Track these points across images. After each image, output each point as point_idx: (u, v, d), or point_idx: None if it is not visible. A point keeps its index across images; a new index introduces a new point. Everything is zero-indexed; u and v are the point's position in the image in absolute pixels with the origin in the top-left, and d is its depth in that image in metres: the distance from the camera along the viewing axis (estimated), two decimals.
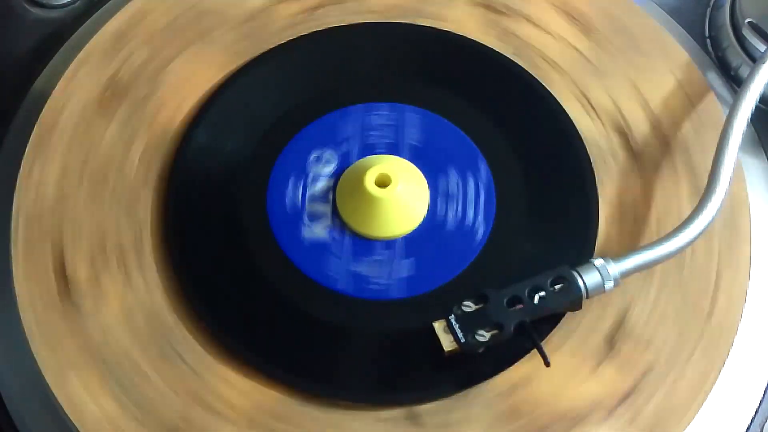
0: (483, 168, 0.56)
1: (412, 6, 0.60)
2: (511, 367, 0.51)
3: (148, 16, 0.60)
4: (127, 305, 0.53)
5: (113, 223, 0.55)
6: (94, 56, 0.59)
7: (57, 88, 0.58)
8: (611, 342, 0.52)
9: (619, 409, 0.50)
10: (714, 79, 0.59)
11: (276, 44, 0.59)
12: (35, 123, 0.57)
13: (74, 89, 0.58)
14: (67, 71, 0.58)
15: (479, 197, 0.55)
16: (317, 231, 0.54)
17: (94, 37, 0.59)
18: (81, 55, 0.59)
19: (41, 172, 0.56)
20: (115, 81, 0.58)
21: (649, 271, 0.52)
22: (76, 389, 0.51)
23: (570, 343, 0.52)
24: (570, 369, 0.51)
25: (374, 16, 0.60)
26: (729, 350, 0.52)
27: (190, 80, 0.58)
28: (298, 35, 0.59)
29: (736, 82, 0.59)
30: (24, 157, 0.56)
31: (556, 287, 0.50)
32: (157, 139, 0.57)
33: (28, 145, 0.56)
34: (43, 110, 0.57)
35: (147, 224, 0.55)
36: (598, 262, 0.50)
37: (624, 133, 0.57)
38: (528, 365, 0.51)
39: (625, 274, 0.50)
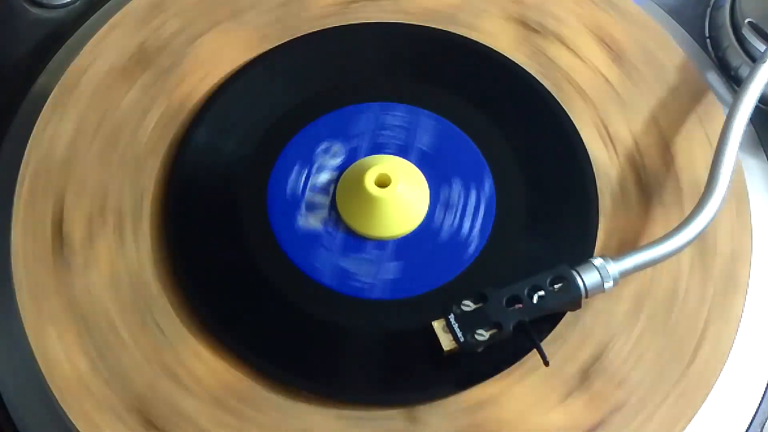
0: (484, 168, 0.56)
1: (446, 12, 0.60)
2: (481, 384, 0.51)
3: None
4: (116, 269, 0.53)
5: (117, 187, 0.55)
6: (126, 21, 0.59)
7: (85, 48, 0.58)
8: (585, 374, 0.51)
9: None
10: (714, 79, 0.59)
11: (307, 32, 0.59)
12: (35, 123, 0.57)
13: (101, 51, 0.58)
14: (99, 32, 0.59)
15: (480, 197, 0.55)
16: (317, 230, 0.54)
17: (131, 2, 0.60)
18: (115, 18, 0.59)
19: (56, 128, 0.57)
20: (143, 49, 0.59)
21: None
22: (52, 344, 0.52)
23: (543, 369, 0.51)
24: (539, 395, 0.51)
25: (407, 17, 0.60)
26: (705, 398, 0.51)
27: (216, 56, 0.59)
28: (327, 27, 0.59)
29: (736, 82, 0.59)
30: (41, 114, 0.57)
31: (556, 287, 0.50)
32: (174, 111, 0.57)
33: (47, 102, 0.57)
34: (68, 69, 0.58)
35: (149, 192, 0.55)
36: (598, 261, 0.50)
37: (624, 134, 0.57)
38: (498, 384, 0.51)
39: (625, 274, 0.50)
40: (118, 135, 0.57)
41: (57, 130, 0.56)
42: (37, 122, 0.57)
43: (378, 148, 0.56)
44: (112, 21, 0.59)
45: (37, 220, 0.54)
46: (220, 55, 0.59)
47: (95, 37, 0.59)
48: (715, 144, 0.53)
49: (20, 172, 0.55)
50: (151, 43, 0.59)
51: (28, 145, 0.56)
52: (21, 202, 0.55)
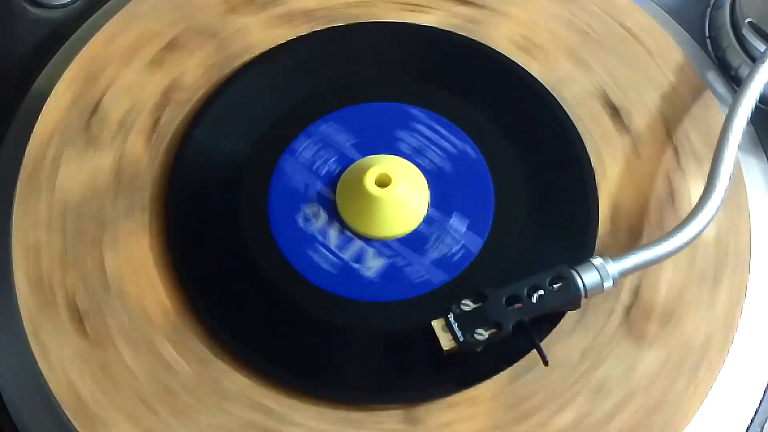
0: (483, 167, 0.56)
1: None
2: None
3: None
4: (141, 336, 0.53)
5: (115, 255, 0.54)
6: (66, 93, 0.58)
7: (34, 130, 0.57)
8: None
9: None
10: (714, 79, 0.59)
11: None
12: (35, 123, 0.57)
13: (53, 128, 0.57)
14: (42, 113, 0.57)
15: (479, 196, 0.55)
16: (317, 231, 0.54)
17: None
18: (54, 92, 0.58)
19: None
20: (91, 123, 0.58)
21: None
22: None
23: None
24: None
25: None
26: (744, 298, 0.53)
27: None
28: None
29: (736, 82, 0.59)
30: (15, 196, 0.56)
31: (555, 286, 0.50)
32: (157, 141, 0.57)
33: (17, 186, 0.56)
34: (30, 140, 0.57)
35: (150, 251, 0.54)
36: (597, 261, 0.50)
37: (624, 134, 0.57)
38: None
39: (624, 274, 0.50)
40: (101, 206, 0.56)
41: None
42: (13, 211, 0.55)
43: (378, 148, 0.56)
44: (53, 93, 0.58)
45: (48, 311, 0.53)
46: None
47: (41, 117, 0.57)
48: (714, 144, 0.53)
49: (13, 264, 0.54)
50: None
51: (12, 235, 0.55)
52: (27, 301, 0.53)
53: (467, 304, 0.50)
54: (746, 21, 0.58)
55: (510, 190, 0.55)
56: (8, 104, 0.58)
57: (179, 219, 0.55)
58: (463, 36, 0.59)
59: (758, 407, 0.52)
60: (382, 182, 0.53)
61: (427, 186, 0.55)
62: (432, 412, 0.50)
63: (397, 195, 0.53)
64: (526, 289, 0.50)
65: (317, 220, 0.54)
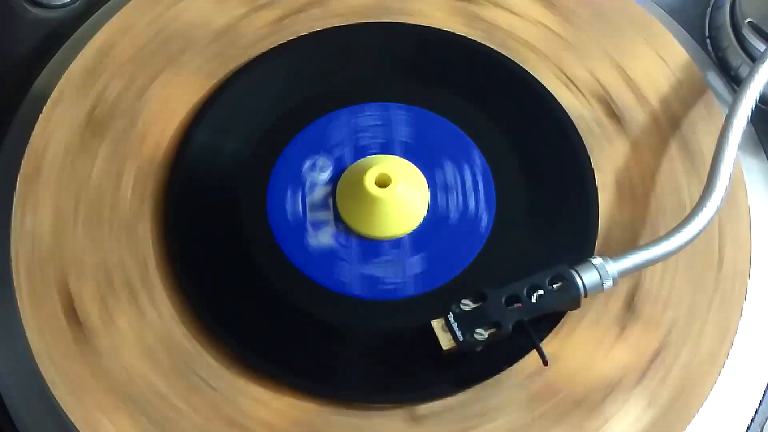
0: (481, 167, 0.56)
1: (376, 5, 0.60)
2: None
3: (114, 48, 0.59)
4: (145, 341, 0.52)
5: (117, 260, 0.54)
6: (67, 93, 0.58)
7: (35, 132, 0.57)
8: (631, 305, 0.52)
9: (650, 371, 0.51)
10: (714, 79, 0.59)
11: (251, 56, 0.59)
12: (35, 123, 0.57)
13: (53, 131, 0.57)
14: (43, 112, 0.57)
15: (478, 197, 0.55)
16: (317, 232, 0.54)
17: (64, 75, 0.58)
18: (55, 93, 0.58)
19: (34, 218, 0.55)
20: (93, 118, 0.57)
21: None
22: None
23: (591, 314, 0.52)
24: (595, 339, 0.52)
25: (341, 19, 0.60)
26: (744, 298, 0.53)
27: (169, 106, 0.58)
28: (271, 47, 0.59)
29: (736, 82, 0.59)
30: (14, 206, 0.55)
31: (555, 286, 0.50)
32: (146, 170, 0.56)
33: (15, 192, 0.55)
34: (25, 155, 0.56)
35: (151, 257, 0.54)
36: (597, 261, 0.50)
37: (624, 133, 0.57)
38: (553, 342, 0.51)
39: (624, 273, 0.50)
40: (100, 209, 0.55)
41: (36, 220, 0.55)
42: (12, 218, 0.55)
43: (377, 148, 0.56)
44: (53, 96, 0.57)
45: (48, 314, 0.53)
46: (173, 104, 0.58)
47: (41, 117, 0.57)
48: (714, 144, 0.53)
49: (13, 270, 0.54)
50: (100, 110, 0.57)
51: (11, 242, 0.54)
52: (26, 303, 0.53)
53: (467, 304, 0.50)
54: (746, 21, 0.58)
55: (510, 189, 0.55)
56: (8, 104, 0.58)
57: (179, 218, 0.55)
58: (464, 36, 0.59)
59: (758, 407, 0.52)
60: (382, 182, 0.53)
61: (427, 186, 0.55)
62: (432, 412, 0.50)
63: (397, 195, 0.53)
64: (525, 289, 0.50)
65: (317, 220, 0.54)
